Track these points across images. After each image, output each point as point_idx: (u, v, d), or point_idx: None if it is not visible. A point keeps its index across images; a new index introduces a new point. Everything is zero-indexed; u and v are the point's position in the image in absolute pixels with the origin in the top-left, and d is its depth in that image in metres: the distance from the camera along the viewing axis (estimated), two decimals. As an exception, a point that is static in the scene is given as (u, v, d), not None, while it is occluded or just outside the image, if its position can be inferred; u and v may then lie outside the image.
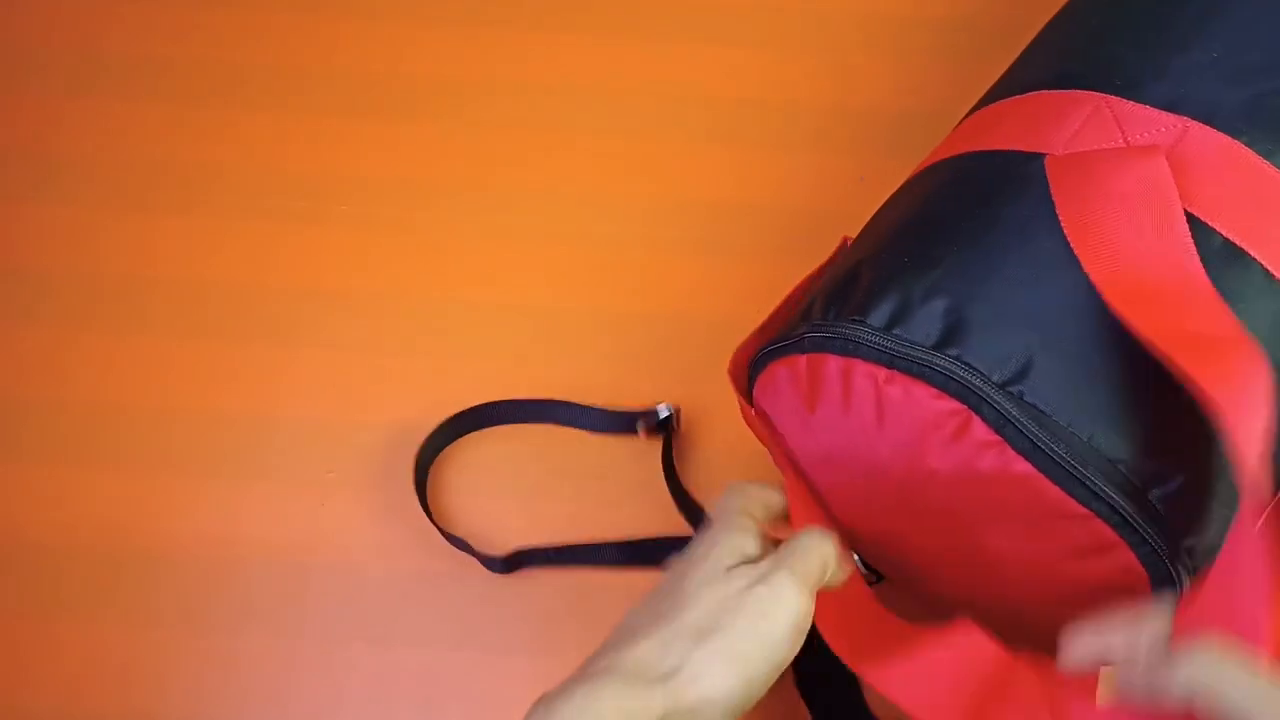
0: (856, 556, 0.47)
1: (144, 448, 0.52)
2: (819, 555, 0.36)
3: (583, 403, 0.52)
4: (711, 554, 0.36)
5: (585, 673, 0.34)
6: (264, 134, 0.59)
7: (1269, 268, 0.33)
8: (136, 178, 0.58)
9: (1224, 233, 0.33)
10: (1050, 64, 0.41)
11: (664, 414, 0.51)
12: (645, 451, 0.52)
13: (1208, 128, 0.35)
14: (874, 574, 0.47)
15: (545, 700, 0.34)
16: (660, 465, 0.51)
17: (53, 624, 0.49)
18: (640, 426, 0.51)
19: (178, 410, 0.53)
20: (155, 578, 0.50)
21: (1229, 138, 0.34)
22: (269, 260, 0.56)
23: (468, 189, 0.58)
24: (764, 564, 0.35)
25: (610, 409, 0.52)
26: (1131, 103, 0.36)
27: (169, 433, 0.52)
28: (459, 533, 0.50)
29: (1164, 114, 0.35)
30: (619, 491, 0.51)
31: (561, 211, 0.57)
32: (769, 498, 0.40)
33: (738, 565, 0.36)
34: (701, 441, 0.52)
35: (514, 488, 0.52)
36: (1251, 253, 0.33)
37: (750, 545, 0.37)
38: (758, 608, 0.34)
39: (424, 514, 0.50)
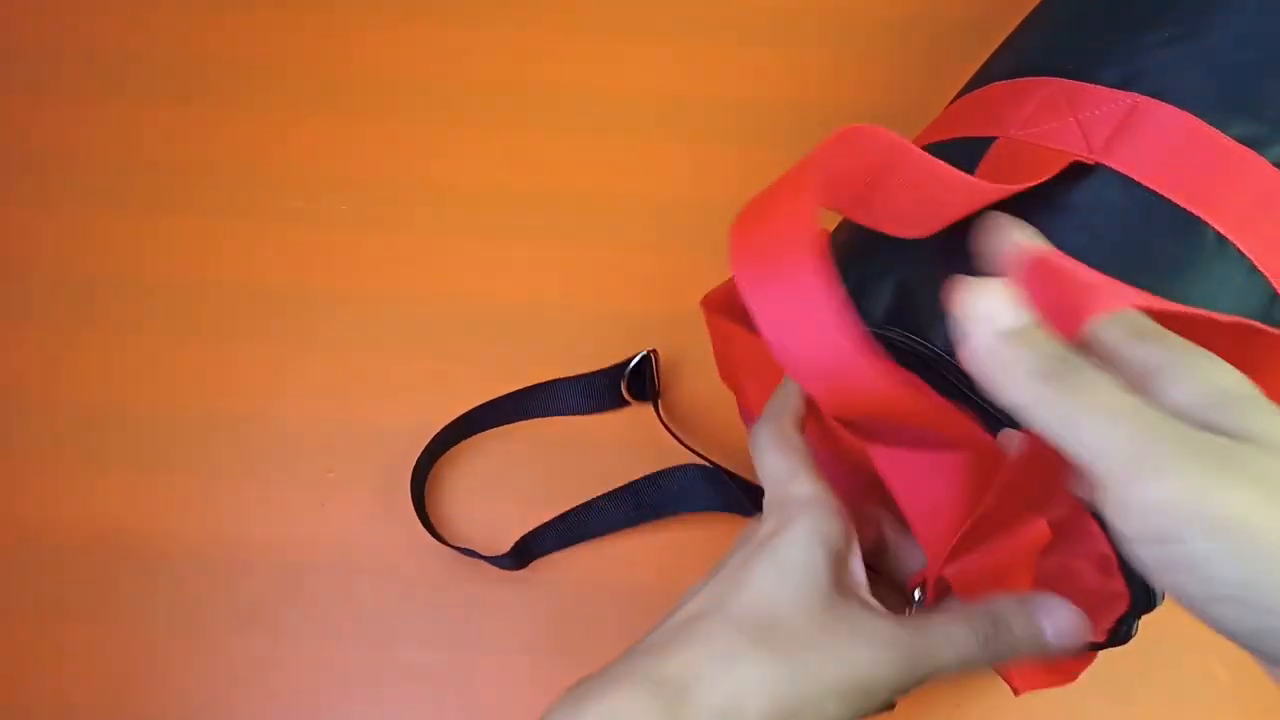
0: None
1: (144, 448, 0.52)
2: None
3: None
4: (769, 531, 0.30)
5: (617, 671, 0.28)
6: (263, 134, 0.59)
7: (1222, 231, 0.34)
8: (136, 178, 0.58)
9: (1176, 200, 0.34)
10: (1015, 58, 0.42)
11: (636, 360, 0.50)
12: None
13: (1157, 102, 0.35)
14: None
15: (574, 700, 0.28)
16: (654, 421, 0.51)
17: (52, 624, 0.49)
18: (624, 388, 0.51)
19: (178, 410, 0.53)
20: (154, 578, 0.50)
21: (1179, 110, 0.35)
22: (269, 260, 0.56)
23: (468, 188, 0.58)
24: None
25: (585, 375, 0.51)
26: (1083, 84, 0.37)
27: (169, 433, 0.52)
28: (462, 542, 0.50)
29: (1114, 91, 0.36)
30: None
31: (562, 211, 0.57)
32: (786, 405, 0.34)
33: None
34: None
35: (510, 487, 0.52)
36: (1204, 218, 0.34)
37: (799, 479, 0.31)
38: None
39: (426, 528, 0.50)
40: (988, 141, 0.37)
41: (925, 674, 0.29)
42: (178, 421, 0.53)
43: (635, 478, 0.49)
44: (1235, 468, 0.21)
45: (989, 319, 0.24)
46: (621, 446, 0.52)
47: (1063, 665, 0.38)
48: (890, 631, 0.28)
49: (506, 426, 0.52)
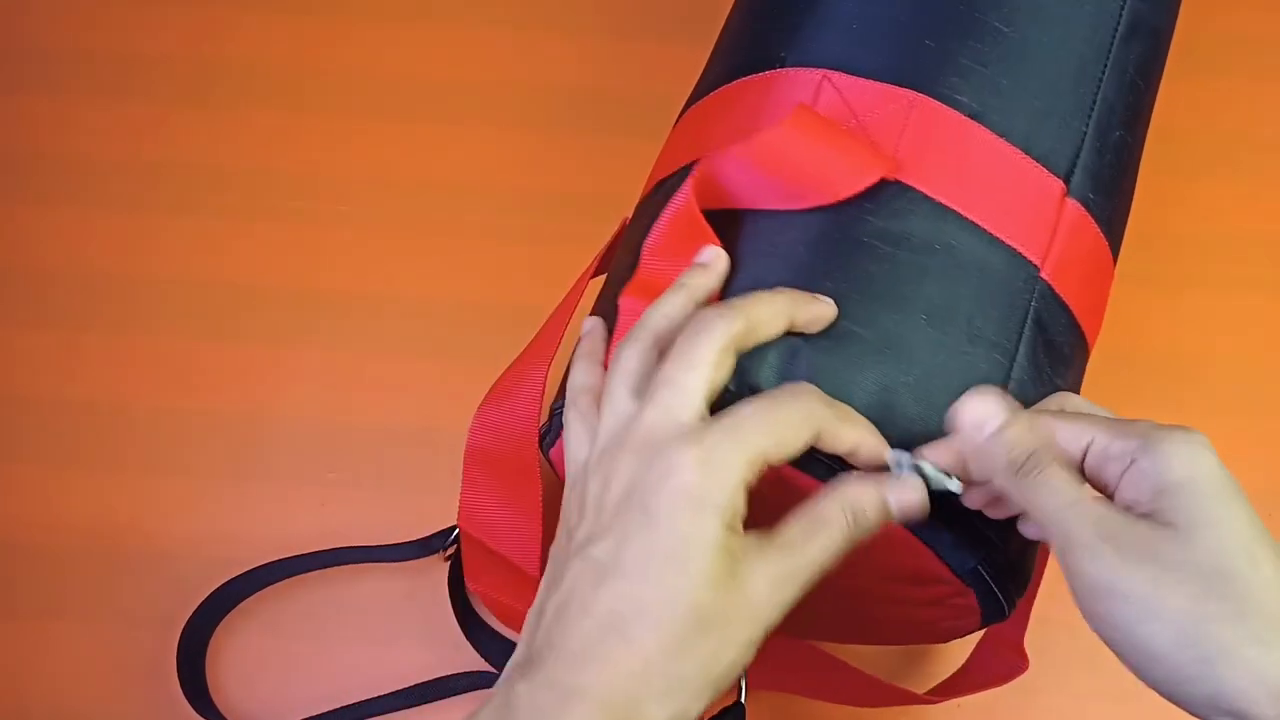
0: None
1: (144, 448, 0.52)
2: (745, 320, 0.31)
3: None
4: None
5: (566, 691, 0.27)
6: (264, 134, 0.59)
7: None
8: (136, 178, 0.58)
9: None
10: (729, 56, 0.42)
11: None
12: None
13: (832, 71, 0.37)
14: None
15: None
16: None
17: (51, 624, 0.49)
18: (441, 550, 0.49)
19: (177, 410, 0.53)
20: (155, 578, 0.50)
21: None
22: (269, 260, 0.56)
23: (468, 189, 0.58)
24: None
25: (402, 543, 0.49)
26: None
27: (169, 433, 0.53)
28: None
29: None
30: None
31: (564, 211, 0.57)
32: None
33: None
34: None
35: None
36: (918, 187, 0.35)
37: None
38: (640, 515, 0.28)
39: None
40: None
41: (810, 580, 0.29)
42: (177, 421, 0.53)
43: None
44: (1143, 552, 0.27)
45: (979, 425, 0.30)
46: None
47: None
48: (777, 556, 0.28)
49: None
